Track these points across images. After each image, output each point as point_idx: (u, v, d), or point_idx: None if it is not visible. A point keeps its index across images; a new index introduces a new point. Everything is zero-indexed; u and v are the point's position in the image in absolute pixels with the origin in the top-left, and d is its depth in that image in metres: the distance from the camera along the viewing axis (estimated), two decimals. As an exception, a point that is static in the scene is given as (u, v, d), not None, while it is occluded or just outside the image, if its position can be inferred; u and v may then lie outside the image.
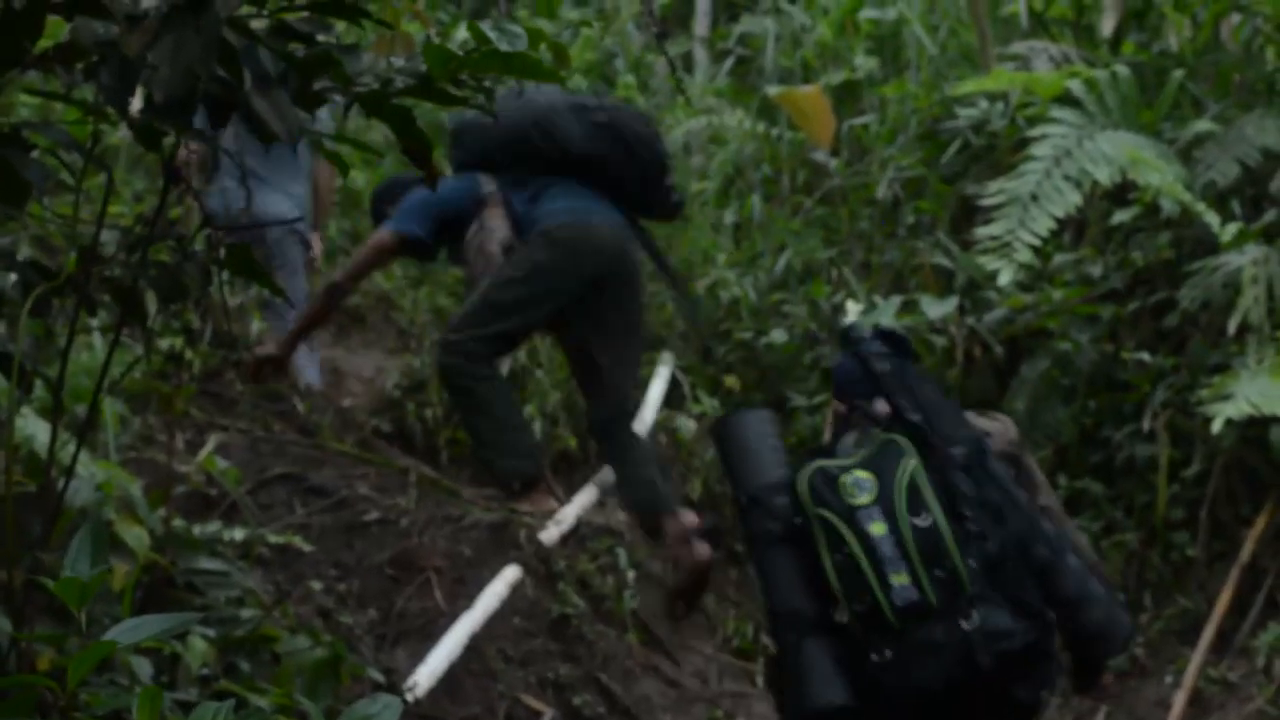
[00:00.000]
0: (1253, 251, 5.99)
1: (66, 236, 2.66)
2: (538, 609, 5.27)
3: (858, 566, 3.34)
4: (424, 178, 2.37)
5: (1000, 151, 7.29)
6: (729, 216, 7.99)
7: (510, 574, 5.19)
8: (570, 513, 5.60)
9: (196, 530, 4.25)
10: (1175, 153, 6.48)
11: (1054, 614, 3.44)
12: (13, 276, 2.46)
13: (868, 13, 8.54)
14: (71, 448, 2.65)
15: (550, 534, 5.46)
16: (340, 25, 2.32)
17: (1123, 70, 6.73)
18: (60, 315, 2.53)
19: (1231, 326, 5.93)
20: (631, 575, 5.68)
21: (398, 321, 7.25)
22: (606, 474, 5.67)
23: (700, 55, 9.48)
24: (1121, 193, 6.68)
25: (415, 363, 6.68)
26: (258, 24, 2.14)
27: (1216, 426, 5.51)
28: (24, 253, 2.53)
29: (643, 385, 6.49)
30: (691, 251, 7.64)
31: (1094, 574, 3.57)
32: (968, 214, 7.31)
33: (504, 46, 2.21)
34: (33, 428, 3.63)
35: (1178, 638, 5.90)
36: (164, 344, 5.33)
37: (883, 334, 3.70)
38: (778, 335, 7.07)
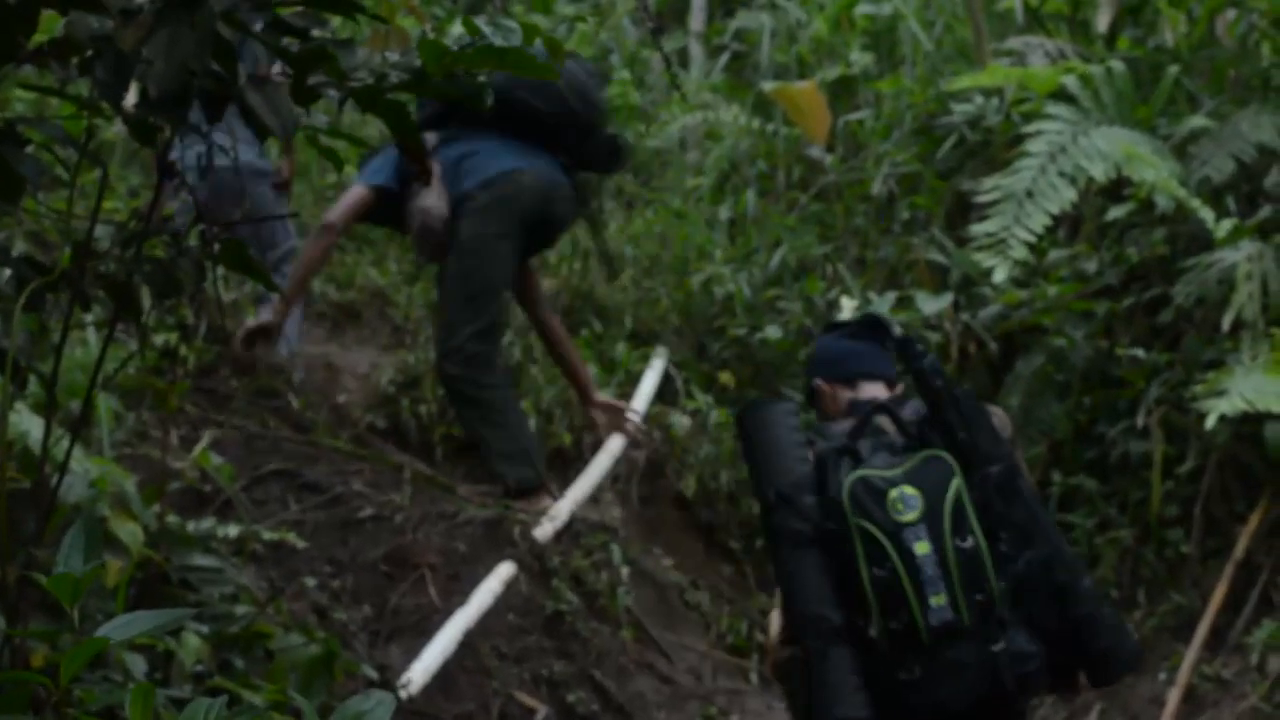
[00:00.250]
0: (1247, 248, 5.99)
1: (61, 231, 2.65)
2: (532, 606, 5.27)
3: (899, 584, 3.32)
4: (417, 171, 2.37)
5: (995, 147, 7.29)
6: (724, 212, 7.99)
7: (504, 571, 5.19)
8: (564, 509, 5.60)
9: (191, 526, 4.25)
10: (1170, 149, 6.48)
11: (1065, 634, 3.46)
12: (7, 271, 2.45)
13: (863, 8, 8.54)
14: (65, 443, 2.64)
15: (544, 530, 5.46)
16: (336, 20, 2.31)
17: (1118, 66, 6.73)
18: (54, 310, 2.52)
19: (1226, 323, 5.93)
20: (626, 572, 5.68)
21: (392, 318, 7.24)
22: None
23: (696, 50, 9.48)
24: (1116, 189, 6.68)
25: (410, 359, 6.67)
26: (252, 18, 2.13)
27: (1211, 423, 5.51)
28: (18, 248, 2.52)
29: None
30: (686, 247, 7.64)
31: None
32: (963, 210, 7.31)
33: (499, 42, 2.21)
34: (27, 423, 3.62)
35: (1172, 634, 5.91)
36: (158, 340, 5.32)
37: (905, 341, 3.65)
38: (773, 331, 7.07)
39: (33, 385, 2.63)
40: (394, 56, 2.25)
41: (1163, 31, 7.25)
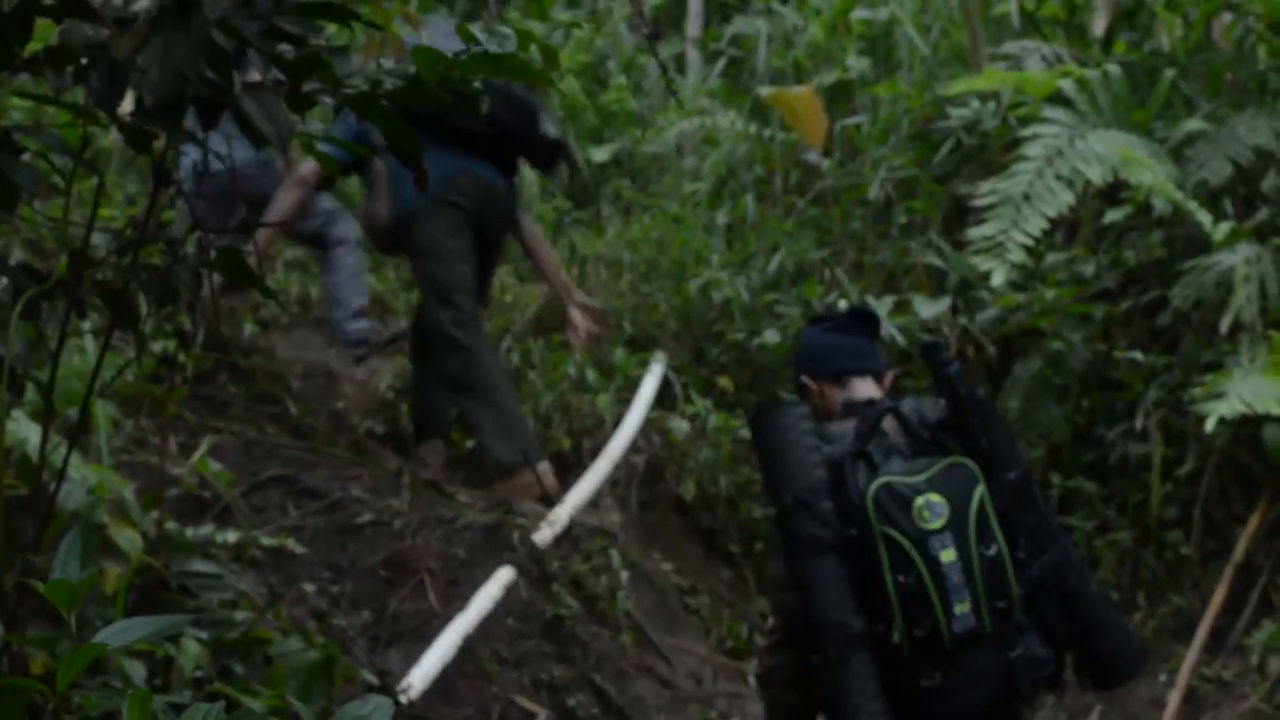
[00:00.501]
0: (1245, 250, 6.00)
1: (57, 239, 2.66)
2: (531, 610, 5.27)
3: (924, 592, 3.31)
4: (415, 179, 2.38)
5: (992, 151, 7.29)
6: (722, 217, 8.00)
7: (504, 575, 5.19)
8: (563, 514, 5.60)
9: (189, 533, 4.26)
10: (1167, 152, 6.48)
11: (1072, 638, 3.47)
12: (4, 279, 2.46)
13: (860, 13, 8.54)
14: (63, 450, 2.65)
15: (544, 535, 5.47)
16: (331, 27, 2.32)
17: (1114, 69, 6.73)
18: (51, 318, 2.52)
19: (1224, 325, 5.93)
20: (625, 576, 5.68)
21: (390, 323, 7.24)
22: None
23: (692, 56, 9.48)
24: (1114, 192, 6.68)
25: (408, 364, 6.68)
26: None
27: (1209, 425, 5.51)
28: (15, 255, 2.53)
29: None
30: (684, 252, 7.64)
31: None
32: (960, 214, 7.31)
33: (494, 48, 2.21)
34: (24, 431, 3.63)
35: (1172, 636, 5.91)
36: (156, 347, 5.33)
37: (933, 347, 3.62)
38: (771, 336, 7.07)
39: (30, 393, 2.64)
40: (389, 63, 2.26)
41: (1159, 35, 7.25)
